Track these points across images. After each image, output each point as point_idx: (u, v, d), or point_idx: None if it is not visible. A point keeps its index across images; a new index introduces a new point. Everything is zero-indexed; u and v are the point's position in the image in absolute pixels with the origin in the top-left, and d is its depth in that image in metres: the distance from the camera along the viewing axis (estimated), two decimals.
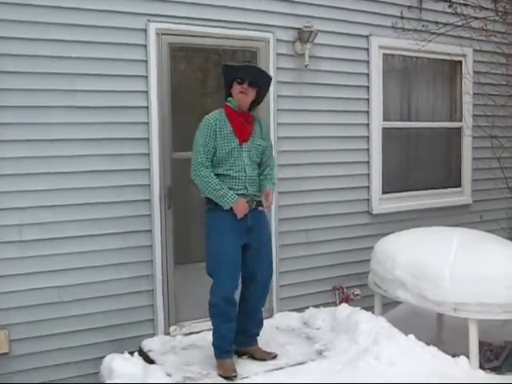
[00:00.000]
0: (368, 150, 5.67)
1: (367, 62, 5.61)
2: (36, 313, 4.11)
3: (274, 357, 4.07)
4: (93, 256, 4.28)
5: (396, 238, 4.87)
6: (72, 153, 4.19)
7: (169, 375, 3.78)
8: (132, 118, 4.40)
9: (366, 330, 4.12)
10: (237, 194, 3.82)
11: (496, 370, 4.57)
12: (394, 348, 3.83)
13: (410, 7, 5.78)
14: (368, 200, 5.70)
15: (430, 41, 5.66)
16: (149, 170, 4.48)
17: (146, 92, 4.44)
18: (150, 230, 4.50)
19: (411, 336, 4.06)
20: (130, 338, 4.39)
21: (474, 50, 6.32)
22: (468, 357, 4.02)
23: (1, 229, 3.99)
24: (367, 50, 5.60)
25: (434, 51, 5.92)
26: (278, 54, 5.05)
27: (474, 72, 6.30)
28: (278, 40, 5.04)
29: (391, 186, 5.86)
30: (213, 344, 3.91)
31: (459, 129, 6.40)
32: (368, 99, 5.63)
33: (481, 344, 4.29)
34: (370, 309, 4.68)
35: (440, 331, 5.01)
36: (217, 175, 3.83)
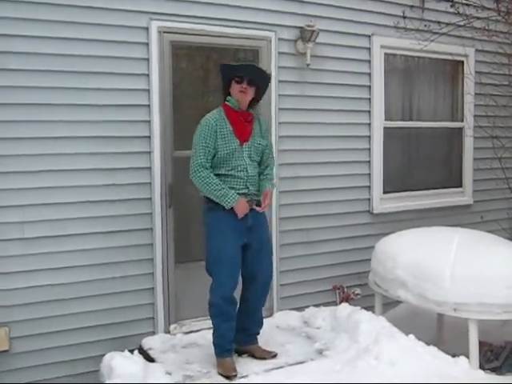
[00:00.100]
0: (369, 149, 5.67)
1: (369, 61, 5.61)
2: (37, 310, 4.12)
3: (274, 356, 4.07)
4: (93, 254, 4.28)
5: (397, 237, 4.87)
6: (74, 150, 4.19)
7: (169, 374, 3.78)
8: (133, 117, 4.40)
9: (367, 329, 4.12)
10: (238, 194, 3.81)
11: (496, 370, 4.57)
12: (395, 348, 3.83)
13: (412, 7, 5.77)
14: (369, 199, 5.70)
15: (432, 41, 5.65)
16: (150, 168, 4.48)
17: (148, 90, 4.44)
18: (151, 229, 4.50)
19: (411, 336, 4.06)
20: (130, 336, 4.40)
21: (476, 50, 6.32)
22: (468, 357, 4.03)
23: (3, 226, 4.00)
24: (369, 49, 5.59)
25: (435, 51, 5.91)
26: (279, 53, 5.05)
27: (476, 72, 6.30)
28: (279, 39, 5.04)
29: (392, 185, 5.86)
30: (213, 343, 3.92)
31: (460, 129, 6.39)
32: (369, 99, 5.63)
33: (481, 344, 4.30)
34: (370, 308, 4.68)
35: (440, 331, 5.01)
36: (218, 175, 3.82)
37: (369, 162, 5.67)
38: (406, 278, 4.39)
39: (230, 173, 3.85)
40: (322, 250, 5.38)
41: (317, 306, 4.96)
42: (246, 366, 3.93)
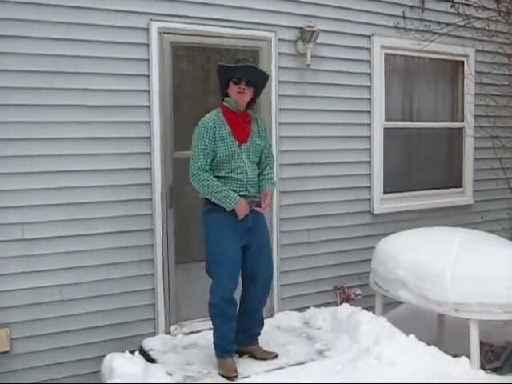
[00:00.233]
0: (369, 149, 5.67)
1: (369, 61, 5.61)
2: (37, 311, 4.12)
3: (275, 356, 4.07)
4: (94, 255, 4.28)
5: (397, 238, 4.86)
6: (74, 151, 4.19)
7: (169, 374, 3.78)
8: (134, 117, 4.40)
9: (367, 329, 4.12)
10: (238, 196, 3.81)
11: (497, 370, 4.57)
12: (395, 348, 3.83)
13: (412, 7, 5.78)
14: (369, 200, 5.70)
15: (432, 41, 5.65)
16: (150, 169, 4.48)
17: (148, 91, 4.44)
18: (152, 229, 4.50)
19: (412, 336, 4.06)
20: (130, 337, 4.40)
21: (476, 51, 6.32)
22: (469, 357, 4.03)
23: (3, 227, 4.00)
24: (369, 49, 5.59)
25: (436, 51, 5.91)
26: (280, 54, 5.05)
27: (476, 72, 6.30)
28: (280, 39, 5.04)
29: (392, 185, 5.86)
30: (213, 343, 3.91)
31: (461, 129, 6.39)
32: (370, 99, 5.63)
33: (482, 344, 4.29)
34: (370, 309, 4.68)
35: (441, 331, 5.01)
36: (218, 178, 3.81)
37: (369, 162, 5.67)
38: (407, 278, 4.39)
39: (229, 175, 3.84)
40: (323, 251, 5.38)
41: (317, 306, 4.95)
42: (246, 366, 3.93)
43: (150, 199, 4.49)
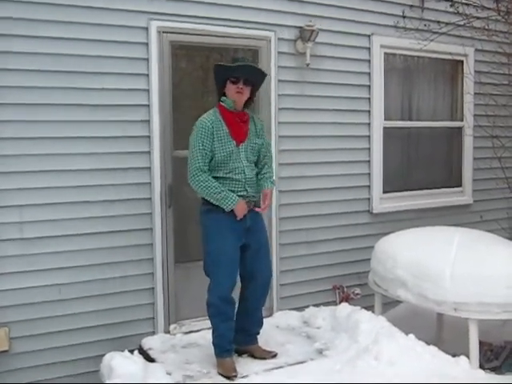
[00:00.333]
0: (369, 149, 5.67)
1: (369, 61, 5.61)
2: (36, 310, 4.11)
3: (274, 356, 4.07)
4: (93, 254, 4.28)
5: (396, 237, 4.87)
6: (74, 151, 4.19)
7: (169, 374, 3.77)
8: (133, 116, 4.39)
9: (366, 329, 4.13)
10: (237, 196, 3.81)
11: (496, 369, 4.57)
12: (394, 347, 3.83)
13: (411, 6, 5.77)
14: (368, 199, 5.70)
15: (431, 40, 5.65)
16: (150, 168, 4.48)
17: (148, 90, 4.43)
18: (151, 229, 4.50)
19: (411, 335, 4.06)
20: (130, 337, 4.40)
21: (476, 50, 6.32)
22: (468, 357, 4.03)
23: (2, 226, 3.99)
24: (369, 49, 5.59)
25: (435, 51, 5.91)
26: (279, 53, 5.05)
27: (476, 72, 6.30)
28: (279, 39, 5.04)
29: (392, 185, 5.86)
30: (213, 343, 3.91)
31: (460, 128, 6.40)
32: (369, 98, 5.63)
33: (481, 344, 4.30)
34: (370, 308, 4.69)
35: (440, 331, 5.01)
36: (216, 178, 3.80)
37: (368, 161, 5.67)
38: (406, 277, 4.39)
39: (227, 175, 3.83)
40: (322, 250, 5.38)
41: (317, 305, 4.96)
42: (246, 365, 3.93)
43: (150, 198, 4.49)
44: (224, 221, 3.81)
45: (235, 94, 3.86)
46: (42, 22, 4.03)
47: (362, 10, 5.49)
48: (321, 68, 5.29)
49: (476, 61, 6.35)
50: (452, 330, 4.73)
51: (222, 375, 3.80)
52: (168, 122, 4.55)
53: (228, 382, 3.73)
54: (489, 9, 5.82)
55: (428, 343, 4.04)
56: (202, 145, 3.76)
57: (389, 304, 5.18)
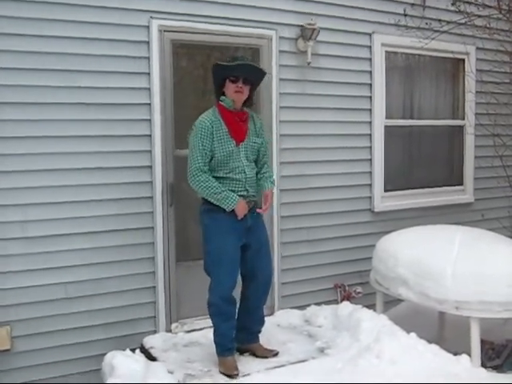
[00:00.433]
0: (370, 147, 5.66)
1: (370, 59, 5.60)
2: (38, 309, 4.12)
3: (276, 354, 4.07)
4: (95, 253, 4.29)
5: (398, 235, 4.86)
6: (75, 149, 4.20)
7: (170, 372, 3.78)
8: (134, 115, 4.40)
9: (368, 327, 4.13)
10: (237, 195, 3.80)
11: (497, 368, 4.56)
12: (396, 346, 3.83)
13: (413, 5, 5.76)
14: (370, 198, 5.70)
15: (432, 39, 5.64)
16: (151, 167, 4.48)
17: (149, 89, 4.44)
18: (152, 227, 4.50)
19: (413, 334, 4.05)
20: (131, 335, 4.40)
21: (477, 48, 6.31)
22: (470, 355, 4.03)
23: (5, 225, 4.00)
24: (370, 47, 5.59)
25: (436, 49, 5.90)
26: (280, 52, 5.04)
27: (477, 70, 6.30)
28: (280, 37, 5.03)
29: (393, 183, 5.86)
30: (214, 341, 3.91)
31: (461, 127, 6.39)
32: (370, 97, 5.63)
33: (482, 342, 4.29)
34: (371, 307, 4.69)
35: (442, 329, 5.01)
36: (216, 178, 3.79)
37: (370, 160, 5.67)
38: (408, 276, 4.39)
39: (228, 175, 3.82)
40: (324, 249, 5.38)
41: (318, 304, 4.96)
42: (247, 364, 3.93)
43: (151, 197, 4.49)
44: (224, 220, 3.80)
45: (234, 94, 3.84)
46: (43, 20, 4.03)
47: (363, 9, 5.48)
48: (322, 66, 5.28)
49: (477, 59, 6.34)
50: (453, 329, 4.72)
51: (223, 374, 3.80)
52: (169, 121, 4.55)
53: (230, 380, 3.73)
54: (490, 7, 5.80)
55: (429, 342, 4.04)
56: (202, 145, 3.76)
57: (390, 302, 5.17)
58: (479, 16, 5.83)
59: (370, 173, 5.68)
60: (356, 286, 5.43)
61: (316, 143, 5.30)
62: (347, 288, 5.37)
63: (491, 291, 4.03)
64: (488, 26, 5.88)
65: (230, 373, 3.78)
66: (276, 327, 4.63)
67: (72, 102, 4.16)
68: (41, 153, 4.08)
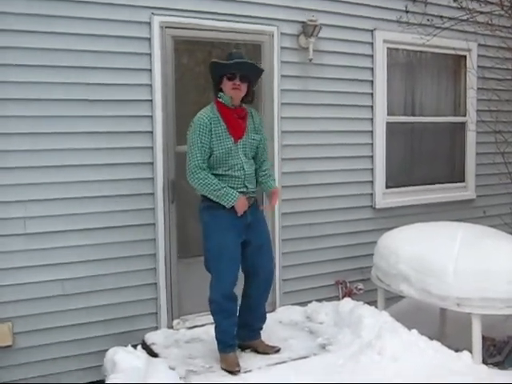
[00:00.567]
0: (372, 144, 5.66)
1: (371, 56, 5.59)
2: (40, 305, 4.12)
3: (277, 351, 4.08)
4: (97, 249, 4.29)
5: (399, 232, 4.87)
6: (77, 146, 4.19)
7: (172, 368, 3.78)
8: (136, 112, 4.39)
9: (369, 324, 4.13)
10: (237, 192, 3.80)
11: (499, 364, 4.58)
12: (397, 343, 3.84)
13: (414, 1, 5.75)
14: (371, 194, 5.69)
15: (434, 35, 5.63)
16: (152, 163, 4.47)
17: (150, 85, 4.43)
18: (154, 224, 4.50)
19: (414, 331, 4.06)
20: (133, 332, 4.41)
21: (479, 45, 6.29)
22: (471, 352, 4.03)
23: (6, 221, 4.00)
24: (372, 44, 5.58)
25: (438, 46, 5.89)
26: (282, 48, 5.04)
27: (479, 67, 6.29)
28: (282, 34, 5.02)
29: (395, 180, 5.86)
30: (216, 338, 3.92)
31: (463, 123, 6.38)
32: (372, 93, 5.62)
33: (484, 339, 4.30)
34: (373, 303, 4.69)
35: (443, 326, 5.01)
36: (215, 175, 3.79)
37: (371, 156, 5.66)
38: (409, 272, 4.39)
39: (227, 173, 3.82)
40: (325, 245, 5.38)
41: (319, 300, 4.96)
42: (249, 360, 3.94)
43: (152, 193, 4.49)
44: (224, 217, 3.80)
45: (232, 91, 3.83)
46: (46, 17, 4.03)
47: (365, 5, 5.47)
48: (323, 63, 5.28)
49: (479, 56, 6.33)
50: (455, 325, 4.73)
51: (225, 370, 3.81)
52: (170, 117, 4.54)
53: (231, 377, 3.73)
54: (492, 3, 5.79)
55: (431, 338, 4.05)
56: (201, 142, 3.75)
57: (392, 299, 5.18)
58: (481, 12, 5.82)
59: (372, 169, 5.67)
60: (357, 282, 5.42)
61: (317, 140, 5.29)
62: (348, 284, 5.37)
63: (493, 288, 4.03)
64: (490, 22, 5.87)
65: (232, 369, 3.78)
66: (277, 324, 4.63)
67: (73, 98, 4.15)
68: (42, 149, 4.08)
